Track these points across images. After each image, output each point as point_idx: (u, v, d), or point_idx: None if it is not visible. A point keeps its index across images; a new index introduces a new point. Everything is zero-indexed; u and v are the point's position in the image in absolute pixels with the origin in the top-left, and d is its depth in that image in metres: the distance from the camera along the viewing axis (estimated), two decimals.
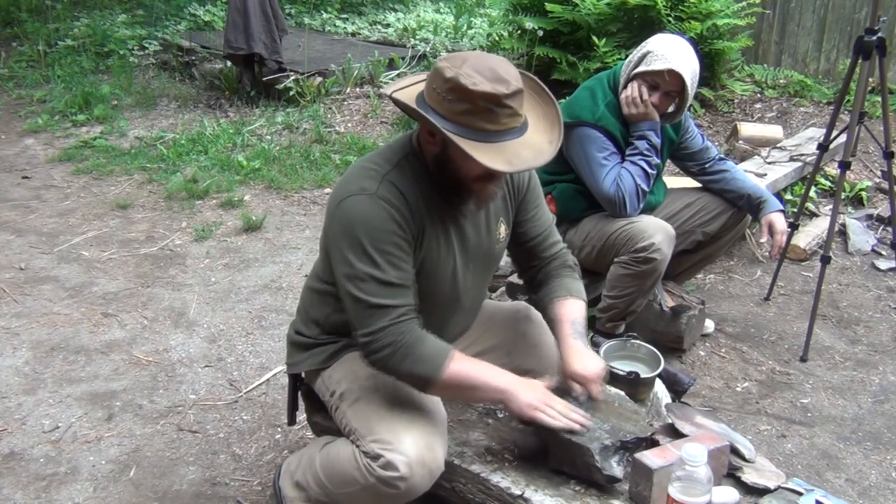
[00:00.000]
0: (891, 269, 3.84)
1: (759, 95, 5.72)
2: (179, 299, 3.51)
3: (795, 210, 3.66)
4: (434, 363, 1.68)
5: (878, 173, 4.59)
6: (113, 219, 4.41)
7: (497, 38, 6.49)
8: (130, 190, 4.83)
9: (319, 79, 6.25)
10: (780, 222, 2.84)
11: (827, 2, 5.79)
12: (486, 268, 1.98)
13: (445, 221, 1.80)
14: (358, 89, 6.28)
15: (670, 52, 2.56)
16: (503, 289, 3.13)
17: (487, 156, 1.57)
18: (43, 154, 5.50)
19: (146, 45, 7.55)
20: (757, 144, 4.49)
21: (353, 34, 8.28)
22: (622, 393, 1.99)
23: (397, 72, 6.42)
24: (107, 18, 8.19)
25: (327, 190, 4.75)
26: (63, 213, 4.50)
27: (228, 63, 6.45)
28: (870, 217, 4.29)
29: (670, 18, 5.04)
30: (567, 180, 2.79)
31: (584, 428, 1.73)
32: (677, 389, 2.51)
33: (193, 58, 7.10)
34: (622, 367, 2.16)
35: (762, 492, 1.78)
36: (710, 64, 5.31)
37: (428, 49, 6.83)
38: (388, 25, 8.50)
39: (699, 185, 3.00)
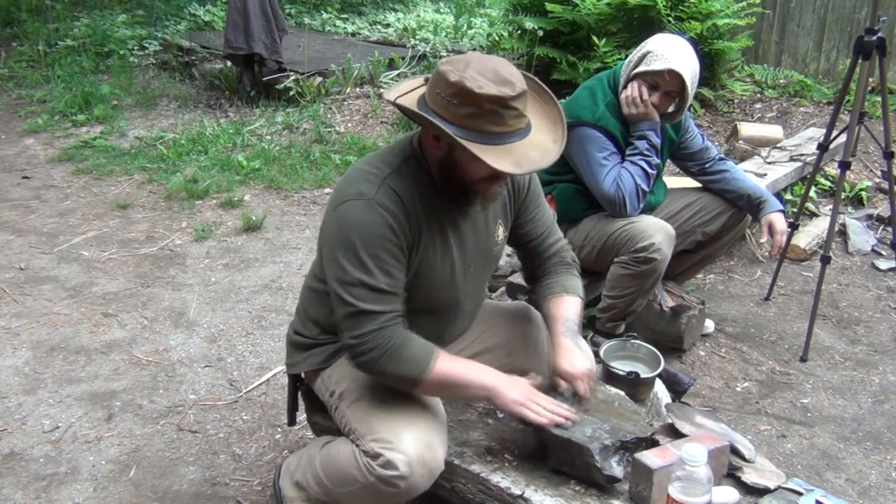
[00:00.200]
0: (891, 269, 3.84)
1: (759, 95, 5.72)
2: (179, 299, 3.51)
3: (795, 210, 3.66)
4: (420, 364, 1.69)
5: (878, 173, 4.59)
6: (113, 219, 4.41)
7: (497, 38, 6.50)
8: (130, 190, 4.84)
9: (319, 79, 6.25)
10: (780, 222, 2.84)
11: (827, 2, 5.79)
12: (485, 270, 1.98)
13: (444, 224, 1.80)
14: (358, 89, 6.28)
15: (670, 52, 2.56)
16: (503, 289, 3.13)
17: (496, 158, 1.57)
18: (43, 154, 5.50)
19: (146, 45, 7.55)
20: (757, 144, 4.49)
21: (353, 34, 8.28)
22: (622, 393, 1.99)
23: (397, 72, 6.42)
24: (107, 18, 8.19)
25: (327, 190, 4.75)
26: (63, 213, 4.50)
27: (228, 63, 6.45)
28: (870, 217, 4.29)
29: (670, 18, 5.04)
30: (567, 180, 2.79)
31: (569, 422, 1.75)
32: (677, 389, 2.51)
33: (193, 58, 7.11)
34: (622, 367, 2.16)
35: (762, 492, 1.78)
36: (710, 64, 5.31)
37: (428, 49, 6.84)
38: (388, 25, 8.50)
39: (699, 185, 3.00)
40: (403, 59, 6.58)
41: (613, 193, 2.64)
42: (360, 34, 8.25)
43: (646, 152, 2.66)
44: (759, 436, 2.64)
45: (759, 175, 3.92)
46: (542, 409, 1.75)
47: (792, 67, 5.98)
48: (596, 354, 2.18)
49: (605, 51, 5.13)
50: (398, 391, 1.78)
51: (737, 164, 3.69)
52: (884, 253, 3.99)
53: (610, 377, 2.13)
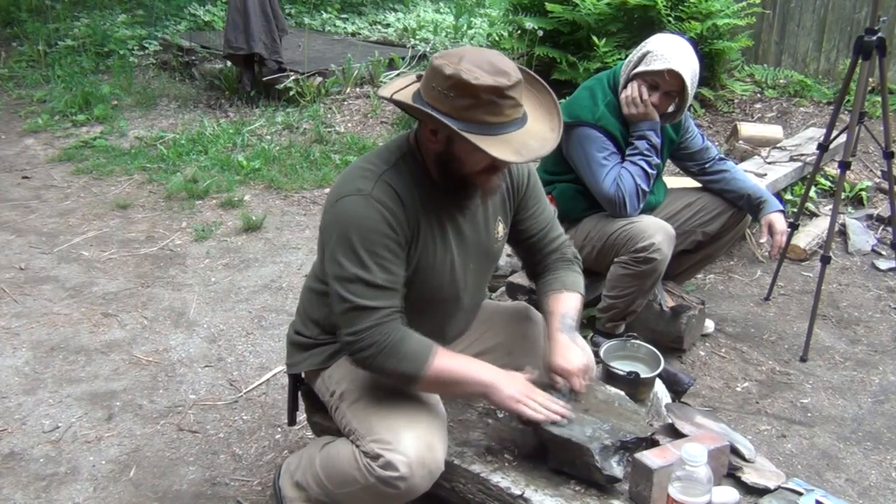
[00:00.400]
0: (891, 269, 3.84)
1: (759, 95, 5.72)
2: (179, 299, 3.51)
3: (795, 210, 3.66)
4: (418, 360, 1.69)
5: (878, 173, 4.59)
6: (113, 219, 4.41)
7: (497, 38, 6.50)
8: (130, 190, 4.84)
9: (319, 79, 6.25)
10: (779, 222, 2.84)
11: (827, 2, 5.79)
12: (485, 266, 1.98)
13: (443, 220, 1.81)
14: (358, 89, 6.28)
15: (670, 51, 2.56)
16: (503, 289, 3.13)
17: (496, 148, 1.58)
18: (43, 154, 5.50)
19: (146, 45, 7.55)
20: (757, 144, 4.49)
21: (353, 34, 8.28)
22: (622, 393, 1.99)
23: (397, 72, 6.42)
24: (107, 18, 8.19)
25: (327, 190, 4.75)
26: (63, 213, 4.50)
27: (228, 63, 6.45)
28: (870, 217, 4.29)
29: (670, 18, 5.04)
30: (567, 180, 2.79)
31: (564, 419, 1.75)
32: (677, 389, 2.51)
33: (193, 58, 7.10)
34: (622, 367, 2.16)
35: (762, 492, 1.78)
36: (710, 64, 5.31)
37: (428, 49, 6.83)
38: (388, 25, 8.50)
39: (699, 185, 3.00)
40: (403, 59, 6.58)
41: (613, 193, 2.64)
42: (360, 34, 8.25)
43: (646, 152, 2.66)
44: (759, 436, 2.64)
45: (759, 175, 3.92)
46: (539, 405, 1.75)
47: (792, 67, 5.98)
48: (596, 354, 2.18)
49: (605, 51, 5.13)
50: (398, 391, 1.78)
51: (737, 164, 3.69)
52: (884, 253, 3.99)
53: (610, 377, 2.13)
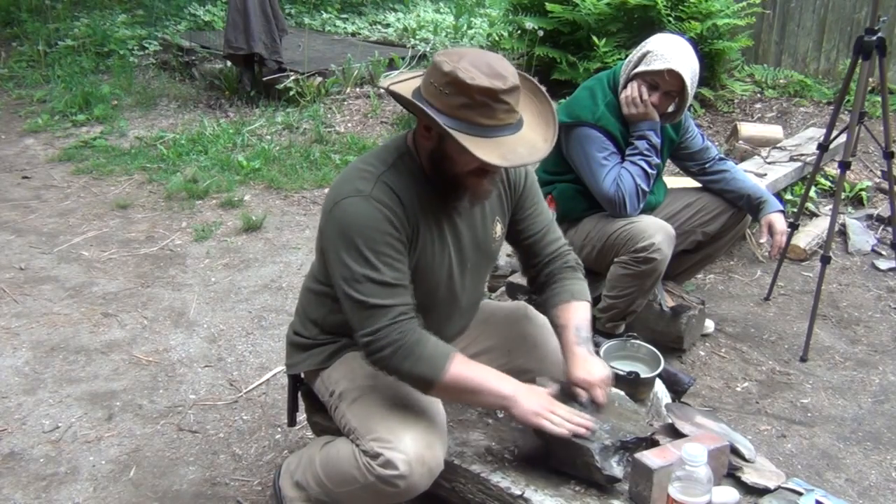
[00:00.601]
0: (891, 269, 3.84)
1: (759, 95, 5.72)
2: (179, 299, 3.51)
3: (795, 210, 3.66)
4: (435, 364, 1.67)
5: (878, 173, 4.59)
6: (113, 219, 4.41)
7: (497, 38, 6.50)
8: (130, 190, 4.84)
9: (319, 79, 6.25)
10: (779, 222, 2.84)
11: (827, 2, 5.79)
12: (483, 267, 1.98)
13: (441, 220, 1.80)
14: (358, 89, 6.28)
15: (670, 51, 2.55)
16: (503, 289, 3.13)
17: (483, 150, 1.57)
18: (43, 154, 5.50)
19: (146, 45, 7.55)
20: (757, 144, 4.49)
21: (353, 34, 8.28)
22: (622, 393, 1.99)
23: (397, 72, 6.42)
24: (107, 18, 8.19)
25: (327, 190, 4.74)
26: (63, 213, 4.50)
27: (228, 63, 6.45)
28: (870, 217, 4.29)
29: (670, 18, 5.04)
30: (567, 180, 2.79)
31: (589, 432, 1.73)
32: (677, 389, 2.51)
33: (193, 58, 7.11)
34: (622, 367, 2.16)
35: (762, 492, 1.78)
36: (710, 64, 5.31)
37: (428, 49, 6.83)
38: (388, 25, 8.50)
39: (699, 185, 3.00)
40: (403, 59, 6.58)
41: (613, 193, 2.64)
42: (360, 34, 8.25)
43: (646, 152, 2.66)
44: (759, 436, 2.64)
45: (759, 175, 3.92)
46: (562, 419, 1.72)
47: (792, 67, 5.98)
48: (596, 354, 2.19)
49: (605, 51, 5.14)
50: (398, 391, 1.78)
51: (737, 164, 3.70)
52: (884, 253, 3.99)
53: None
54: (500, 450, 1.90)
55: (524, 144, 1.63)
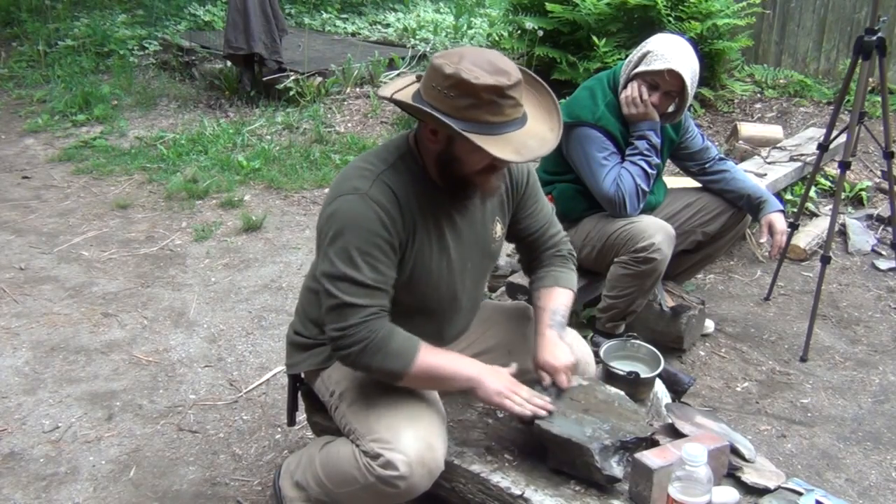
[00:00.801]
0: (891, 269, 3.84)
1: (759, 95, 5.72)
2: (179, 299, 3.51)
3: (795, 210, 3.66)
4: (404, 357, 1.70)
5: (878, 173, 4.58)
6: (113, 219, 4.41)
7: (497, 38, 6.50)
8: (130, 190, 4.84)
9: (319, 79, 6.25)
10: (780, 222, 2.84)
11: (827, 2, 5.79)
12: (483, 266, 1.98)
13: (440, 220, 1.81)
14: (358, 89, 6.28)
15: (670, 51, 2.56)
16: (503, 289, 3.13)
17: (496, 147, 1.58)
18: (43, 154, 5.50)
19: (146, 45, 7.55)
20: (757, 144, 4.49)
21: (353, 34, 8.28)
22: (622, 393, 1.99)
23: (397, 72, 6.42)
24: (107, 18, 8.19)
25: (327, 190, 4.74)
26: (63, 213, 4.50)
27: (228, 63, 6.46)
28: (870, 217, 4.29)
29: (670, 18, 5.04)
30: (567, 180, 2.79)
31: (547, 413, 1.76)
32: (677, 389, 2.51)
33: (193, 58, 7.11)
34: (622, 367, 2.16)
35: (762, 492, 1.78)
36: (710, 64, 5.31)
37: (428, 49, 6.84)
38: (388, 25, 8.50)
39: (699, 185, 3.00)
40: (403, 59, 6.58)
41: (613, 193, 2.64)
42: (360, 34, 8.25)
43: (646, 152, 2.66)
44: (759, 436, 2.64)
45: (759, 175, 3.92)
46: (523, 399, 1.76)
47: (792, 67, 5.98)
48: (596, 354, 2.19)
49: (605, 51, 5.14)
50: (398, 391, 1.78)
51: (737, 164, 3.69)
52: (884, 253, 3.99)
53: (610, 377, 2.13)
54: (500, 450, 1.90)
55: (533, 137, 1.64)
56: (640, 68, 2.60)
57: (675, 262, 2.86)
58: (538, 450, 1.86)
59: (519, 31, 5.84)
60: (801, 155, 4.25)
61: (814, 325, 3.13)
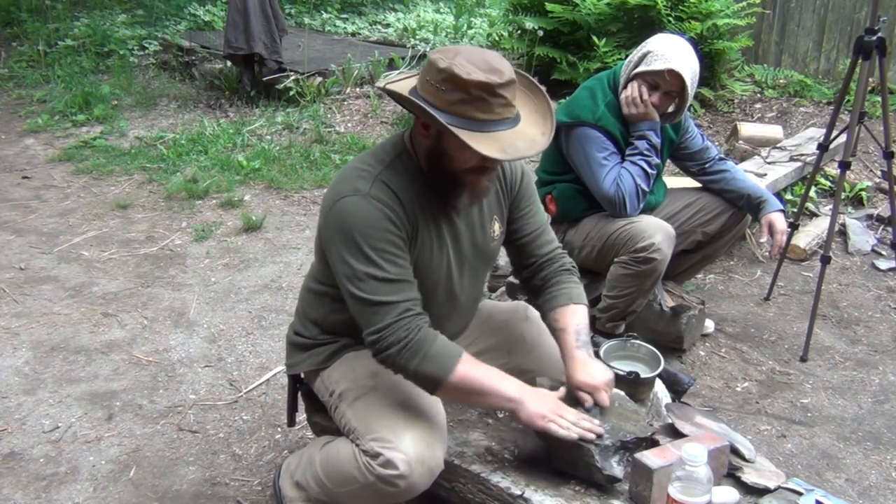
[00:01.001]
0: (891, 269, 3.84)
1: (759, 95, 5.72)
2: (179, 299, 3.51)
3: (795, 210, 3.66)
4: (443, 364, 1.66)
5: (878, 173, 4.59)
6: (113, 219, 4.41)
7: (497, 38, 6.50)
8: (130, 190, 4.84)
9: (319, 79, 6.25)
10: (780, 222, 2.84)
11: (827, 2, 5.79)
12: (482, 266, 1.98)
13: (439, 220, 1.80)
14: (358, 89, 6.28)
15: (670, 52, 2.56)
16: (503, 289, 3.13)
17: (482, 144, 1.57)
18: (43, 154, 5.50)
19: (146, 45, 7.55)
20: (757, 144, 4.49)
21: (353, 34, 8.28)
22: (622, 393, 1.99)
23: (397, 72, 6.42)
24: (107, 18, 8.19)
25: (326, 191, 4.74)
26: (63, 213, 4.50)
27: (228, 63, 6.45)
28: (870, 217, 4.29)
29: (670, 18, 5.04)
30: (567, 180, 2.79)
31: (596, 436, 1.72)
32: (677, 389, 2.51)
33: (193, 58, 7.10)
34: (622, 367, 2.16)
35: (762, 492, 1.78)
36: (710, 64, 5.31)
37: (428, 49, 6.84)
38: (388, 25, 8.50)
39: (699, 185, 3.00)
40: (403, 59, 6.58)
41: (613, 193, 2.64)
42: (360, 34, 8.25)
43: (646, 152, 2.66)
44: (759, 436, 2.64)
45: (759, 175, 3.92)
46: (570, 423, 1.72)
47: (792, 67, 5.98)
48: (596, 354, 2.18)
49: (605, 51, 5.14)
50: (398, 391, 1.78)
51: (737, 164, 3.70)
52: (884, 253, 3.99)
53: None
54: (500, 450, 1.90)
55: (523, 138, 1.64)
56: (641, 68, 2.60)
57: (675, 262, 2.86)
58: (538, 450, 1.86)
59: (519, 31, 5.84)
60: (801, 155, 4.26)
61: (814, 325, 3.13)
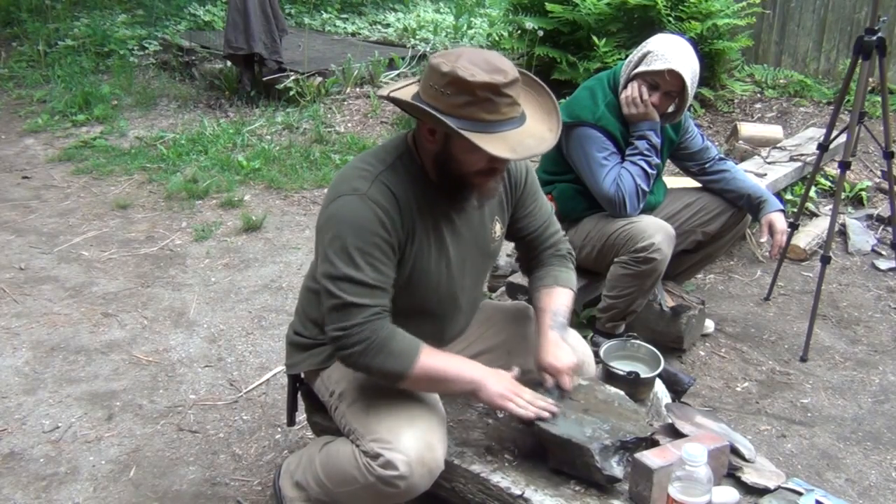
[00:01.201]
0: (891, 269, 3.84)
1: (759, 95, 5.72)
2: (179, 299, 3.51)
3: (795, 210, 3.66)
4: (406, 359, 1.69)
5: (878, 173, 4.59)
6: (113, 219, 4.41)
7: (497, 38, 6.50)
8: (130, 190, 4.84)
9: (319, 79, 6.25)
10: (780, 222, 2.84)
11: (827, 2, 5.79)
12: (482, 266, 1.98)
13: (439, 221, 1.81)
14: (358, 89, 6.28)
15: (670, 52, 2.56)
16: (503, 289, 3.13)
17: (492, 145, 1.58)
18: (43, 154, 5.50)
19: (146, 45, 7.55)
20: (757, 144, 4.49)
21: (353, 34, 8.28)
22: (622, 393, 1.99)
23: (397, 72, 6.42)
24: (107, 18, 8.19)
25: (326, 190, 4.74)
26: (63, 213, 4.50)
27: (228, 63, 6.46)
28: (870, 217, 4.29)
29: (670, 18, 5.04)
30: (567, 180, 2.79)
31: (551, 415, 1.76)
32: (677, 389, 2.51)
33: (193, 58, 7.11)
34: (622, 367, 2.16)
35: (762, 492, 1.78)
36: (710, 64, 5.31)
37: (428, 49, 6.84)
38: (388, 25, 8.50)
39: (699, 185, 3.00)
40: (403, 59, 6.58)
41: (613, 193, 2.64)
42: (360, 34, 8.25)
43: (646, 152, 2.66)
44: (759, 436, 2.64)
45: (759, 175, 3.92)
46: (526, 402, 1.76)
47: (792, 67, 5.98)
48: (596, 354, 2.19)
49: (605, 51, 5.14)
50: (398, 391, 1.78)
51: (737, 164, 3.69)
52: (884, 253, 3.99)
53: (610, 377, 2.13)
54: (500, 450, 1.90)
55: (531, 136, 1.64)
56: (641, 68, 2.60)
57: (675, 262, 2.86)
58: (538, 450, 1.86)
59: (519, 31, 5.84)
60: (801, 155, 4.25)
61: (814, 325, 3.13)
